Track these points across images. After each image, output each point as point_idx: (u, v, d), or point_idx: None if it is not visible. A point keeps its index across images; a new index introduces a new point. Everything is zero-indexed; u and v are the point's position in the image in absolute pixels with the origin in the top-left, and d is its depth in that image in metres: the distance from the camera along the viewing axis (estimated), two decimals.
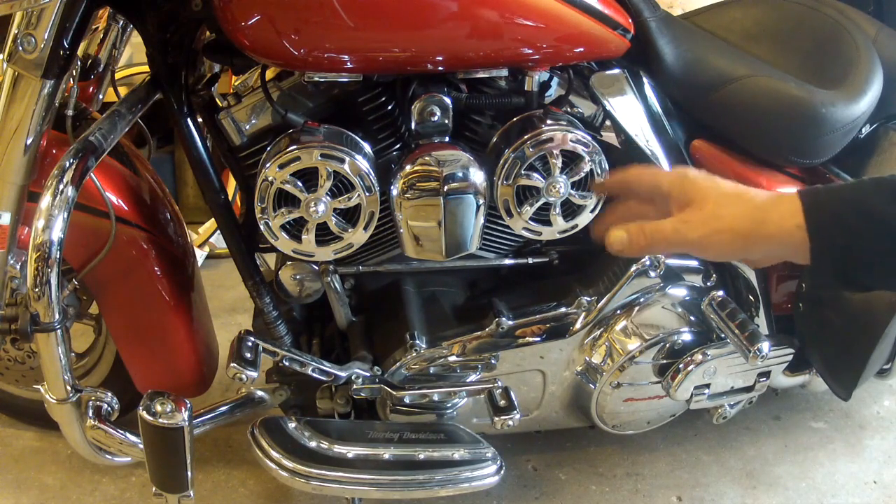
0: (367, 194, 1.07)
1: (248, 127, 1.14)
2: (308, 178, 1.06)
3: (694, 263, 1.30)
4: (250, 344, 1.16)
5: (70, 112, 1.18)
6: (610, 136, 1.26)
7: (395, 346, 1.24)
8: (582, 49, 1.10)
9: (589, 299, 1.27)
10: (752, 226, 0.65)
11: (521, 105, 1.13)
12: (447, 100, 1.09)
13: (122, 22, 1.33)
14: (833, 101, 1.20)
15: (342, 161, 1.04)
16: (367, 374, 1.23)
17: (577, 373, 1.33)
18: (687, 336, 1.32)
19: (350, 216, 1.09)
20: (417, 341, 1.21)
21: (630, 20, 1.14)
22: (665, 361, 1.32)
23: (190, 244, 1.37)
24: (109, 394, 1.12)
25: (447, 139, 1.12)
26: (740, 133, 1.24)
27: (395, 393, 1.23)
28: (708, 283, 1.31)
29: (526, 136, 1.09)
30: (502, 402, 1.22)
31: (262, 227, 1.09)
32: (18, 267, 1.13)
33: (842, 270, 0.62)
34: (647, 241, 0.69)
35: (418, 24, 1.01)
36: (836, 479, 1.53)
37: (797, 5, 1.39)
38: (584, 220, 1.17)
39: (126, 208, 1.22)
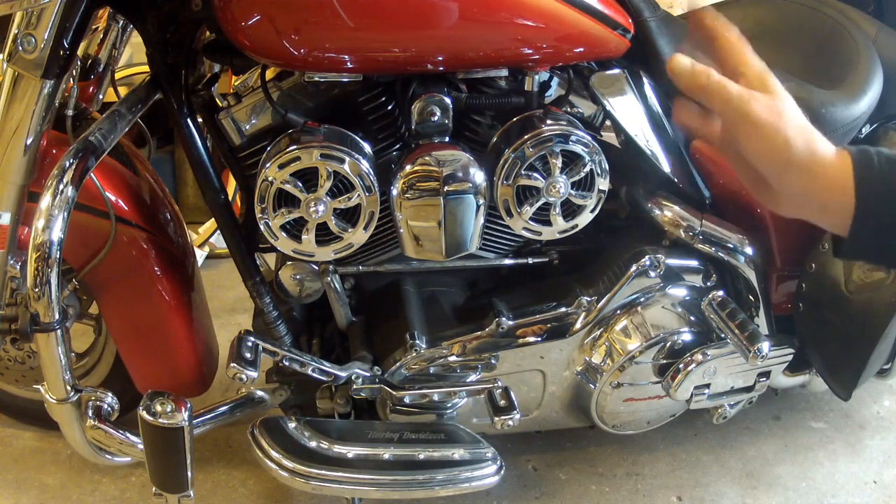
0: (367, 194, 1.07)
1: (248, 127, 1.14)
2: (308, 178, 1.06)
3: (694, 263, 1.30)
4: (250, 344, 1.16)
5: (70, 112, 1.18)
6: (610, 136, 1.26)
7: (395, 346, 1.24)
8: (582, 49, 1.10)
9: (589, 299, 1.27)
10: (805, 152, 0.61)
11: (521, 105, 1.13)
12: (447, 100, 1.09)
13: (122, 22, 1.33)
14: (833, 101, 1.20)
15: (342, 161, 1.04)
16: (367, 374, 1.23)
17: (577, 373, 1.33)
18: (687, 336, 1.32)
19: (350, 216, 1.09)
20: (417, 341, 1.21)
21: (630, 20, 1.14)
22: (665, 361, 1.32)
23: (190, 244, 1.37)
24: (109, 394, 1.12)
25: (447, 139, 1.12)
26: None
27: (395, 393, 1.23)
28: (708, 283, 1.31)
29: (526, 136, 1.09)
30: (502, 402, 1.22)
31: (262, 227, 1.09)
32: (18, 267, 1.13)
33: (881, 239, 0.60)
34: (707, 82, 0.63)
35: (418, 24, 1.01)
36: (836, 479, 1.52)
37: (797, 5, 1.39)
38: (584, 220, 1.17)
39: (126, 208, 1.22)
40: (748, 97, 0.62)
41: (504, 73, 1.13)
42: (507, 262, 1.30)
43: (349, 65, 1.03)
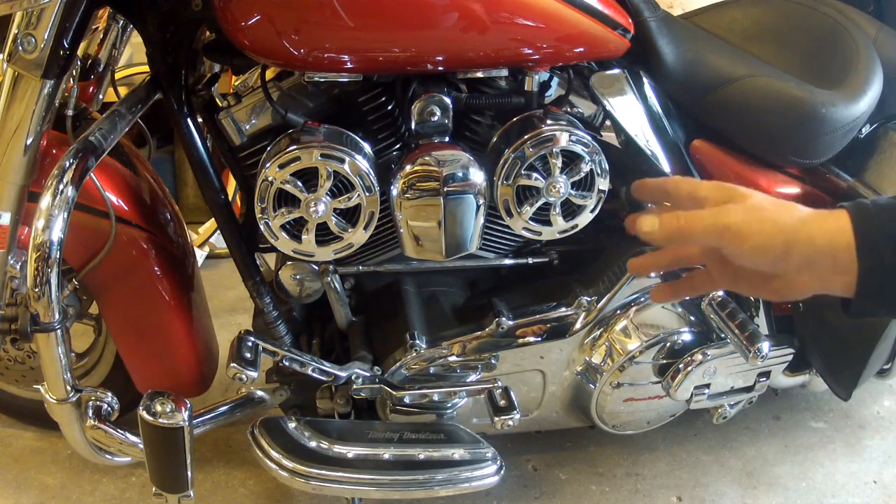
0: (367, 194, 1.07)
1: (248, 127, 1.14)
2: (308, 178, 1.06)
3: None
4: (250, 344, 1.16)
5: (70, 112, 1.18)
6: (610, 136, 1.26)
7: (395, 346, 1.24)
8: (582, 49, 1.10)
9: (589, 299, 1.27)
10: (798, 225, 0.59)
11: (521, 105, 1.13)
12: (447, 100, 1.09)
13: (122, 22, 1.33)
14: (833, 101, 1.20)
15: (342, 161, 1.04)
16: (367, 374, 1.23)
17: (577, 373, 1.33)
18: (687, 336, 1.32)
19: (350, 216, 1.09)
20: (417, 341, 1.21)
21: (630, 20, 1.14)
22: (665, 361, 1.32)
23: (190, 244, 1.37)
24: (109, 394, 1.12)
25: (447, 139, 1.12)
26: (740, 133, 1.24)
27: (395, 393, 1.23)
28: None
29: (526, 136, 1.09)
30: (502, 402, 1.22)
31: (262, 227, 1.09)
32: (18, 267, 1.13)
33: (888, 295, 0.58)
34: (679, 223, 0.63)
35: (418, 24, 1.01)
36: (836, 479, 1.52)
37: (797, 5, 1.39)
38: (583, 220, 1.17)
39: (126, 208, 1.22)
40: (719, 211, 0.62)
41: (504, 73, 1.13)
42: (507, 262, 1.30)
43: (349, 65, 1.03)
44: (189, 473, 1.09)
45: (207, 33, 1.13)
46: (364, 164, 1.06)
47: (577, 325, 1.28)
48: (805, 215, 0.60)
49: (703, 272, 0.70)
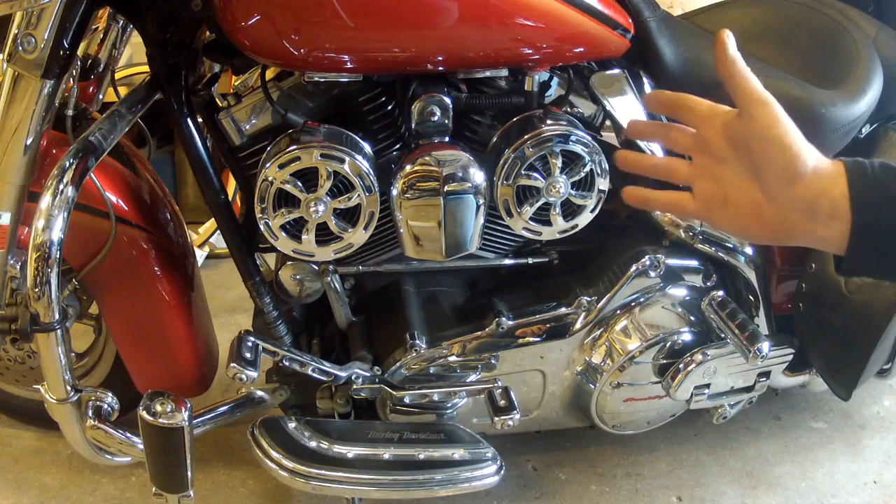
0: (367, 194, 1.07)
1: (248, 127, 1.14)
2: (308, 178, 1.06)
3: (694, 263, 1.30)
4: (250, 344, 1.16)
5: (70, 112, 1.18)
6: (610, 136, 1.26)
7: (395, 346, 1.24)
8: (582, 49, 1.10)
9: (589, 299, 1.27)
10: (812, 160, 0.60)
11: (521, 105, 1.13)
12: (447, 100, 1.09)
13: (122, 22, 1.33)
14: (833, 101, 1.20)
15: (342, 161, 1.04)
16: (367, 374, 1.23)
17: (577, 373, 1.33)
18: (687, 336, 1.32)
19: (350, 216, 1.09)
20: (417, 341, 1.21)
21: (630, 20, 1.14)
22: (665, 361, 1.32)
23: (190, 244, 1.37)
24: (109, 394, 1.12)
25: (447, 139, 1.12)
26: None
27: (395, 393, 1.23)
28: (708, 283, 1.31)
29: (526, 136, 1.09)
30: (502, 402, 1.22)
31: (262, 227, 1.09)
32: (18, 267, 1.13)
33: (879, 254, 0.59)
34: (755, 81, 0.63)
35: (418, 24, 1.01)
36: (836, 479, 1.52)
37: (797, 5, 1.39)
38: (584, 219, 1.17)
39: (126, 208, 1.22)
40: (774, 103, 0.62)
41: (504, 73, 1.13)
42: (507, 262, 1.30)
43: (349, 65, 1.03)
44: (189, 473, 1.09)
45: (207, 33, 1.13)
46: (364, 164, 1.06)
47: (577, 325, 1.28)
48: (817, 156, 0.61)
49: (683, 195, 0.68)
